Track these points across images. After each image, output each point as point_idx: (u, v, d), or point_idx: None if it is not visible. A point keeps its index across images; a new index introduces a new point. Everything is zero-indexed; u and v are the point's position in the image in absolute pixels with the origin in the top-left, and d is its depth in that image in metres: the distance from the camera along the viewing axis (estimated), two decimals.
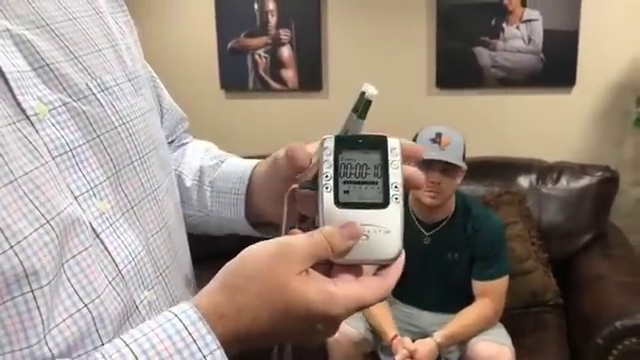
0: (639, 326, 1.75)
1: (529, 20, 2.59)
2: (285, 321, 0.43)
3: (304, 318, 0.43)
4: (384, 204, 0.46)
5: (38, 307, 0.40)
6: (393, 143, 0.49)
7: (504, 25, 2.63)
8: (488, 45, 2.67)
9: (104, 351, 0.40)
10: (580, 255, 2.31)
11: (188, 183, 0.72)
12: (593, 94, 2.60)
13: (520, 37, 2.62)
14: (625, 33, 2.50)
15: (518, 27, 2.61)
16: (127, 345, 0.40)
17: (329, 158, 0.48)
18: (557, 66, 2.58)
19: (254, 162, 0.69)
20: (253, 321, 0.42)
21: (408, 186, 0.49)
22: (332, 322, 0.44)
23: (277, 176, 0.58)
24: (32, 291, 0.40)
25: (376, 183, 0.47)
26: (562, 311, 2.20)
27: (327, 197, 0.46)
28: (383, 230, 0.46)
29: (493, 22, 2.64)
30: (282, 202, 0.53)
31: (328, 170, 0.48)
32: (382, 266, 0.47)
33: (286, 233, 0.49)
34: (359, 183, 0.47)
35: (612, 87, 2.57)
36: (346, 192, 0.47)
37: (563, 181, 2.42)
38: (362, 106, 0.51)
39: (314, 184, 0.49)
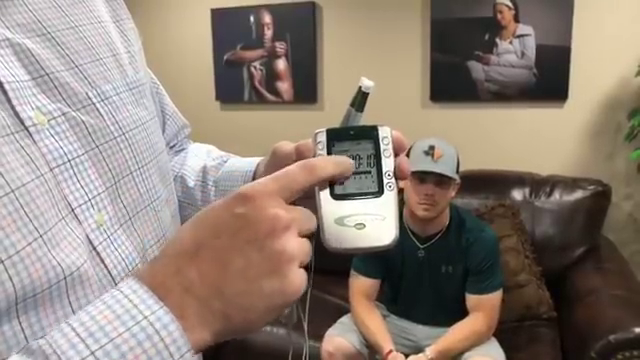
0: (632, 340, 1.75)
1: (522, 35, 2.62)
2: (204, 229, 0.39)
3: (219, 215, 0.39)
4: (379, 192, 0.47)
5: (31, 326, 0.39)
6: (384, 132, 0.49)
7: (497, 40, 2.66)
8: (482, 59, 2.69)
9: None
10: (573, 268, 2.32)
11: (191, 183, 0.72)
12: (585, 108, 2.63)
13: (513, 52, 2.64)
14: (616, 48, 2.53)
15: (511, 42, 2.64)
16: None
17: (322, 152, 0.48)
18: (550, 81, 2.61)
19: (257, 159, 0.69)
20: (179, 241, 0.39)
21: (396, 176, 0.49)
22: (257, 214, 0.39)
23: (278, 169, 0.57)
24: (18, 310, 0.38)
25: (370, 172, 0.48)
26: (556, 324, 2.19)
27: (323, 190, 0.47)
28: (379, 218, 0.46)
29: (486, 37, 2.67)
30: None
31: None
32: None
33: None
34: (353, 174, 0.47)
35: (604, 101, 2.60)
36: (341, 183, 0.47)
37: (556, 194, 2.43)
38: (359, 99, 0.52)
39: None
